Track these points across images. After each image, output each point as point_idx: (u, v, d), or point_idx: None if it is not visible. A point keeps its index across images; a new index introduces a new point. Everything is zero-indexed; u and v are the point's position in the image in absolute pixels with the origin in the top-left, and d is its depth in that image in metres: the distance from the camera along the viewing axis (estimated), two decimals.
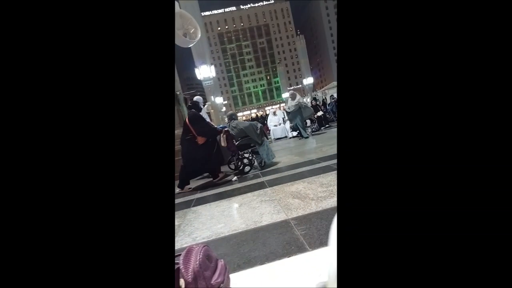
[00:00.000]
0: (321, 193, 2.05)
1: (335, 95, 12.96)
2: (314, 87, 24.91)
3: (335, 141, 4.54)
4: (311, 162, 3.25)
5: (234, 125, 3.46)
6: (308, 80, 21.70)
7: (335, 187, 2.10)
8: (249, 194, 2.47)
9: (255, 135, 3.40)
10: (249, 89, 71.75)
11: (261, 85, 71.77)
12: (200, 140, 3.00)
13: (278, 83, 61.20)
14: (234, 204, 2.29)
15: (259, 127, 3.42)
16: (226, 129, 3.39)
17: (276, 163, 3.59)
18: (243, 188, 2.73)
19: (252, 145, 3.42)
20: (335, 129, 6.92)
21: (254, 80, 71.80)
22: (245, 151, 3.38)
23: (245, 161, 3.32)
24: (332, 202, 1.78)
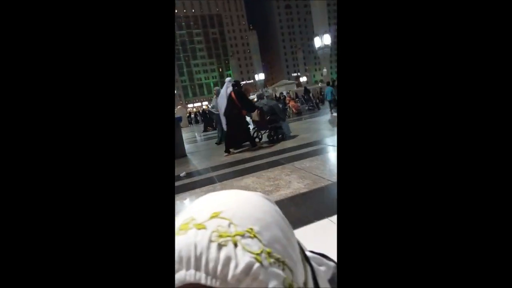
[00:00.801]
0: (268, 187, 2.18)
1: (285, 93, 13.66)
2: (265, 83, 25.54)
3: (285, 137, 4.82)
4: (260, 157, 3.40)
5: (265, 102, 4.42)
6: (260, 76, 22.13)
7: (281, 181, 2.27)
8: (197, 190, 2.45)
9: (281, 112, 4.38)
10: (201, 80, 69.02)
11: (213, 76, 69.74)
12: (244, 113, 3.85)
13: (231, 76, 60.60)
14: (183, 201, 2.24)
15: (281, 106, 4.37)
16: (260, 106, 4.20)
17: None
18: (191, 183, 2.69)
19: (277, 120, 4.30)
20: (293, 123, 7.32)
21: (205, 71, 69.25)
22: (272, 125, 4.29)
23: (277, 131, 4.36)
24: (278, 195, 1.93)
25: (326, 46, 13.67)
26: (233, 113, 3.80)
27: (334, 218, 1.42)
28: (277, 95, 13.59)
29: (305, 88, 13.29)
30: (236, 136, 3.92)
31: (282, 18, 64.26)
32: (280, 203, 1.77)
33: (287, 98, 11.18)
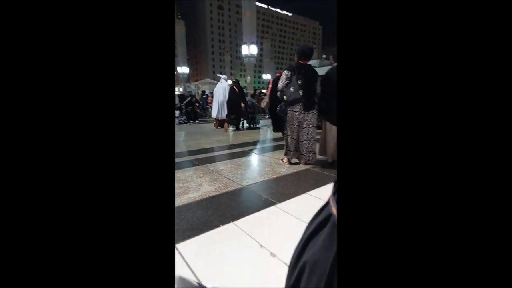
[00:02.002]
0: (177, 189, 2.05)
1: (207, 92, 13.45)
2: (189, 78, 24.39)
3: (200, 135, 4.69)
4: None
5: (248, 99, 6.37)
6: (184, 70, 20.96)
7: (192, 183, 2.18)
8: None
9: (257, 107, 6.83)
10: None
11: None
12: (242, 103, 5.64)
13: None
14: None
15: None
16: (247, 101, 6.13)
17: None
18: None
19: (253, 113, 6.36)
20: (203, 124, 7.16)
21: None
22: (251, 116, 6.31)
23: (253, 120, 6.37)
24: (187, 198, 1.84)
25: (252, 55, 14.43)
26: (234, 100, 5.51)
27: (238, 222, 1.47)
28: (198, 93, 13.26)
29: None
30: (235, 118, 5.67)
31: (213, 16, 63.43)
32: (187, 207, 1.69)
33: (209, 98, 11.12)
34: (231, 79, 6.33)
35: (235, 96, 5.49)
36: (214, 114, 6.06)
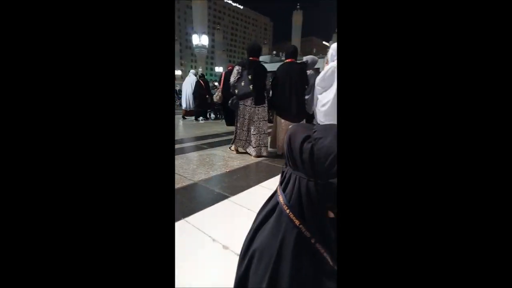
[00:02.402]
0: None
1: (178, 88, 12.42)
2: None
3: None
4: None
5: (213, 92, 6.08)
6: None
7: None
8: None
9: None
10: None
11: None
12: (207, 95, 6.17)
13: None
14: None
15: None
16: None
17: None
18: None
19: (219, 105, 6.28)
20: None
21: None
22: (217, 107, 6.55)
23: (219, 112, 6.73)
24: None
25: (203, 46, 13.90)
26: (200, 93, 6.00)
27: (190, 218, 1.44)
28: None
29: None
30: (201, 110, 6.20)
31: None
32: None
33: None
34: (197, 73, 6.89)
35: (201, 89, 6.11)
36: (183, 105, 6.80)
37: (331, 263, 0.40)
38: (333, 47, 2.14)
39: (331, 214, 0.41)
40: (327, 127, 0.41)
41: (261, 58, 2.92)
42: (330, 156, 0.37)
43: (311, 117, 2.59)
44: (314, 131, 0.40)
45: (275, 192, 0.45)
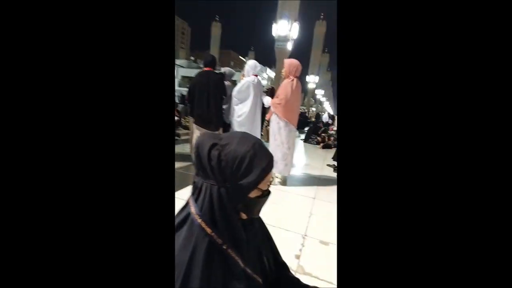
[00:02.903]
0: None
1: None
2: None
3: None
4: None
5: None
6: None
7: None
8: None
9: None
10: None
11: None
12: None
13: None
14: None
15: None
16: None
17: None
18: None
19: None
20: None
21: None
22: None
23: None
24: None
25: None
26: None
27: None
28: None
29: None
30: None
31: None
32: None
33: None
34: None
35: None
36: None
37: (242, 265, 0.42)
38: (249, 64, 2.31)
39: (244, 216, 0.44)
40: (232, 134, 0.44)
41: (178, 62, 2.81)
42: (237, 160, 0.40)
43: (228, 126, 2.66)
44: (221, 139, 0.43)
45: (187, 203, 0.44)
